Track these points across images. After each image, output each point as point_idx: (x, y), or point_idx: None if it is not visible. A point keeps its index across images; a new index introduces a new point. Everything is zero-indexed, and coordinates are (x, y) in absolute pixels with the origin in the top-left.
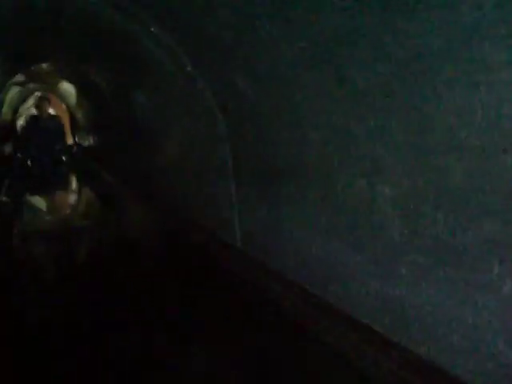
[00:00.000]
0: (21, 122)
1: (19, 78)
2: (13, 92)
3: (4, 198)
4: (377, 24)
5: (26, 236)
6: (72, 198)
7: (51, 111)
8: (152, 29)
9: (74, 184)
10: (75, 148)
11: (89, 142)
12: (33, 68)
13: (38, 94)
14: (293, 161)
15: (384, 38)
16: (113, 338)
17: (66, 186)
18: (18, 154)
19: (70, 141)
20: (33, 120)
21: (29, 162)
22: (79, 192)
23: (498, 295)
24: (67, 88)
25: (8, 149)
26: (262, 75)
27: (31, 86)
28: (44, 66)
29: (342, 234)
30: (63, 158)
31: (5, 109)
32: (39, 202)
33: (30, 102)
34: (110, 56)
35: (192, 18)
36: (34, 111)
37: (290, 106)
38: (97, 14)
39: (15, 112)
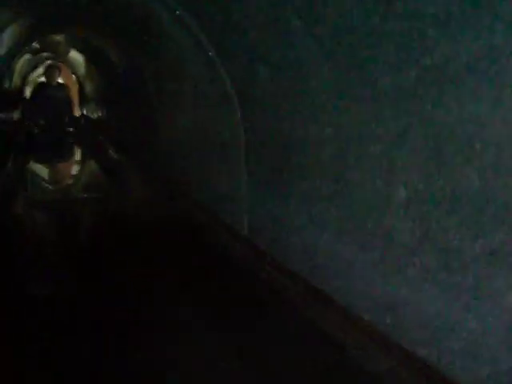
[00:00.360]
0: (29, 90)
1: (32, 46)
2: (24, 60)
3: (9, 166)
4: (406, 29)
5: (29, 205)
6: (76, 170)
7: (60, 80)
8: (177, 12)
9: (78, 156)
10: (83, 120)
11: (97, 115)
12: (46, 37)
13: (48, 62)
14: (307, 156)
15: (412, 44)
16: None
17: (70, 157)
18: (25, 122)
19: (77, 112)
20: (41, 87)
21: (35, 130)
22: (83, 164)
23: (503, 304)
24: (77, 58)
25: (16, 115)
26: (283, 68)
27: (43, 54)
28: (58, 36)
29: (352, 232)
30: (70, 128)
31: (15, 76)
32: (43, 171)
33: (40, 70)
34: (126, 31)
35: (218, 5)
36: (42, 79)
37: (309, 101)
38: None
39: (24, 79)
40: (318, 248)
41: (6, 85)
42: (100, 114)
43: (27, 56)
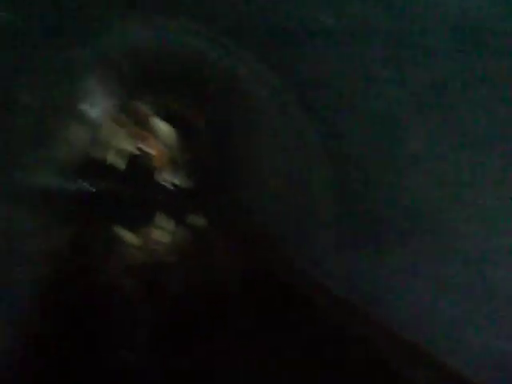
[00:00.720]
0: (115, 158)
1: (117, 114)
2: (108, 127)
3: (96, 232)
4: (497, 69)
5: (116, 270)
6: (161, 234)
7: (146, 148)
8: (256, 67)
9: (166, 222)
10: (170, 187)
11: (183, 181)
12: (130, 105)
13: (133, 130)
14: (397, 205)
15: (504, 83)
16: None
17: (158, 223)
18: (112, 189)
19: (164, 179)
20: (128, 156)
21: (122, 197)
22: (169, 228)
23: None
24: (163, 127)
25: (103, 183)
26: (370, 117)
27: (130, 124)
28: (141, 103)
29: (454, 289)
30: (158, 196)
31: (100, 144)
32: (130, 237)
33: (126, 138)
34: (212, 96)
35: (301, 60)
36: (128, 147)
37: (398, 150)
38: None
39: (110, 148)
40: (420, 306)
41: (95, 153)
42: (186, 181)
43: (112, 124)
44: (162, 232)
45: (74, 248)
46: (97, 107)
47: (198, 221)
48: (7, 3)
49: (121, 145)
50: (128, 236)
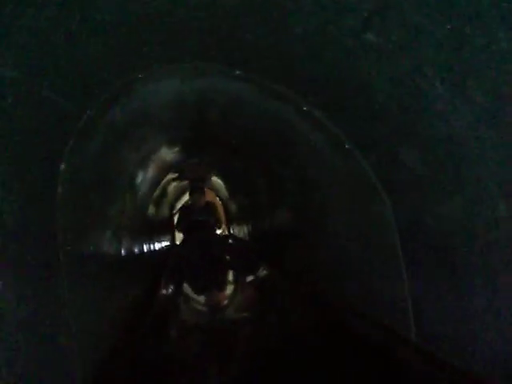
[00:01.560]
0: (176, 216)
1: (172, 174)
2: (170, 188)
3: (162, 292)
4: None
5: (182, 328)
6: (229, 290)
7: (206, 200)
8: (304, 108)
9: (231, 278)
10: (231, 240)
11: (243, 233)
12: (185, 164)
13: (191, 185)
14: (477, 242)
15: None
16: None
17: (225, 282)
18: (175, 249)
19: (224, 233)
20: (186, 211)
21: (185, 256)
22: (238, 287)
23: None
24: (219, 181)
25: (164, 242)
26: (433, 146)
27: (184, 181)
28: (195, 160)
29: None
30: (221, 252)
31: (164, 206)
32: (196, 296)
33: (185, 197)
34: (265, 147)
35: (347, 96)
36: (187, 201)
37: (470, 179)
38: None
39: (172, 208)
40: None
41: (150, 212)
42: (246, 233)
43: (172, 184)
44: (231, 290)
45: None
46: (150, 168)
47: (267, 277)
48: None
49: (181, 202)
50: (193, 295)
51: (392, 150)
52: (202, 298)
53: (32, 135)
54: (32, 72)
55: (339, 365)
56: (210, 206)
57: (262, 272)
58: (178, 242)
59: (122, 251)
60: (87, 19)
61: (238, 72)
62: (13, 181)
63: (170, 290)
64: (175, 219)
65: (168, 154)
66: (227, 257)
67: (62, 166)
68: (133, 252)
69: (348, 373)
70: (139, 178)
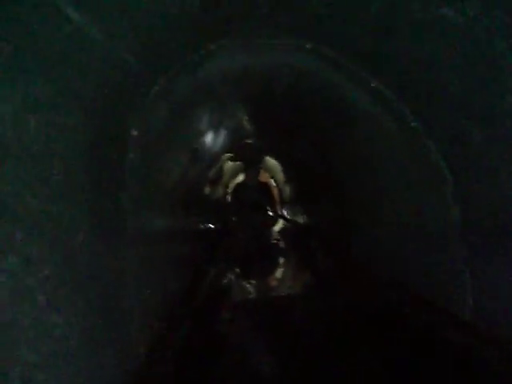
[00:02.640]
0: (229, 195)
1: (228, 155)
2: (226, 168)
3: (214, 273)
4: None
5: (234, 308)
6: (280, 272)
7: (261, 180)
8: (372, 84)
9: (283, 261)
10: (286, 223)
11: (299, 217)
12: (242, 143)
13: (246, 164)
14: None
15: None
16: None
17: (276, 267)
18: (229, 228)
19: (279, 215)
20: (240, 189)
21: (239, 237)
22: (288, 270)
23: None
24: (274, 163)
25: (218, 223)
26: (497, 123)
27: (240, 161)
28: (253, 139)
29: None
30: (273, 233)
31: (219, 185)
32: (247, 282)
33: (241, 177)
34: (316, 129)
35: (414, 73)
36: (241, 179)
37: None
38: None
39: (226, 187)
40: None
41: (207, 191)
42: (303, 217)
43: (229, 164)
44: (283, 271)
45: (190, 293)
46: (209, 144)
47: (319, 259)
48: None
49: (235, 182)
50: (244, 281)
51: (456, 127)
52: (252, 280)
53: (108, 97)
54: (113, 34)
55: (385, 345)
56: (265, 187)
57: (314, 255)
58: (232, 222)
59: (180, 227)
60: None
61: (307, 46)
62: (86, 143)
63: (222, 271)
64: (229, 198)
65: (227, 131)
66: (279, 241)
67: (134, 132)
68: (188, 229)
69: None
70: (199, 154)
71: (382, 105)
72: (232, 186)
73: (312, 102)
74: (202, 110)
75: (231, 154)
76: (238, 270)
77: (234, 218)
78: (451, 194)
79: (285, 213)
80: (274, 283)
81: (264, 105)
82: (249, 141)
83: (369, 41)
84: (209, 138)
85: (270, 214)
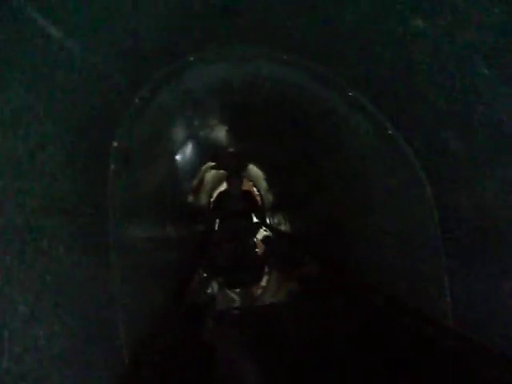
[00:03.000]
0: (214, 202)
1: (210, 164)
2: (208, 177)
3: (197, 281)
4: None
5: (218, 317)
6: (265, 285)
7: (243, 187)
8: (350, 93)
9: (267, 269)
10: (270, 232)
11: (281, 224)
12: (225, 152)
13: (229, 172)
14: None
15: None
16: None
17: (261, 276)
18: (209, 237)
19: (264, 223)
20: (222, 197)
21: (221, 247)
22: (273, 278)
23: None
24: (256, 171)
25: (200, 230)
26: (475, 131)
27: (223, 170)
28: (235, 147)
29: None
30: (257, 241)
31: (201, 192)
32: (231, 292)
33: (224, 185)
34: (305, 132)
35: (391, 82)
36: (223, 188)
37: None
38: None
39: (210, 197)
40: None
41: (190, 200)
42: (283, 224)
43: (210, 173)
44: (267, 280)
45: (175, 300)
46: (191, 153)
47: (308, 269)
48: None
49: (218, 190)
50: (228, 291)
51: (434, 134)
52: (236, 289)
53: (89, 110)
54: (94, 49)
55: (377, 352)
56: (247, 195)
57: (299, 263)
58: (215, 231)
59: (163, 236)
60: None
61: (285, 57)
62: (68, 155)
63: (205, 280)
64: (211, 207)
65: (209, 139)
66: (263, 249)
67: (115, 143)
68: (172, 238)
69: (385, 360)
70: (181, 163)
71: (361, 114)
72: (215, 194)
73: (292, 112)
74: (184, 119)
75: (213, 163)
76: (221, 279)
77: (217, 227)
78: (430, 201)
79: (268, 220)
80: (258, 292)
81: (245, 114)
82: (231, 150)
83: (346, 52)
84: (190, 147)
85: (254, 221)
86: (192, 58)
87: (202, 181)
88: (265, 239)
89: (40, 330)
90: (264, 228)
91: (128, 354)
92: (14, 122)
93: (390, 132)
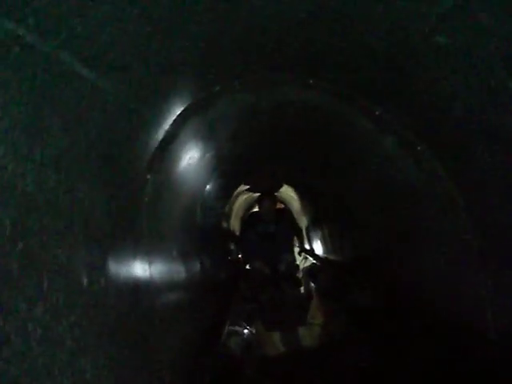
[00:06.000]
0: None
1: (243, 186)
2: (240, 201)
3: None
4: None
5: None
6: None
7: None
8: (377, 112)
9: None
10: (313, 259)
11: (318, 250)
12: (255, 175)
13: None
14: None
15: None
16: None
17: (305, 317)
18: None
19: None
20: (252, 221)
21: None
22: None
23: None
24: (289, 193)
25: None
26: (503, 144)
27: (255, 194)
28: (266, 172)
29: None
30: (298, 275)
31: (232, 220)
32: (272, 335)
33: (256, 208)
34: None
35: (417, 99)
36: (255, 209)
37: None
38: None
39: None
40: None
41: (224, 225)
42: (322, 250)
43: (242, 197)
44: (313, 316)
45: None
46: (223, 179)
47: (358, 300)
48: None
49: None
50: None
51: (463, 148)
52: (278, 331)
53: (121, 145)
54: (122, 85)
55: None
56: (282, 214)
57: (349, 293)
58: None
59: (190, 269)
60: (173, 32)
61: (310, 81)
62: (104, 189)
63: (240, 323)
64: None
65: (239, 165)
66: (306, 281)
67: (148, 177)
68: (201, 270)
69: None
70: (211, 190)
71: (387, 131)
72: (246, 217)
73: (319, 134)
74: (213, 147)
75: (247, 186)
76: (259, 321)
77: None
78: (464, 214)
79: (307, 247)
80: (303, 331)
81: (273, 137)
82: (262, 173)
83: (369, 72)
84: (220, 173)
85: (294, 247)
86: (217, 88)
87: (233, 205)
88: (306, 269)
89: (87, 363)
90: (303, 255)
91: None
92: (54, 163)
93: (419, 148)
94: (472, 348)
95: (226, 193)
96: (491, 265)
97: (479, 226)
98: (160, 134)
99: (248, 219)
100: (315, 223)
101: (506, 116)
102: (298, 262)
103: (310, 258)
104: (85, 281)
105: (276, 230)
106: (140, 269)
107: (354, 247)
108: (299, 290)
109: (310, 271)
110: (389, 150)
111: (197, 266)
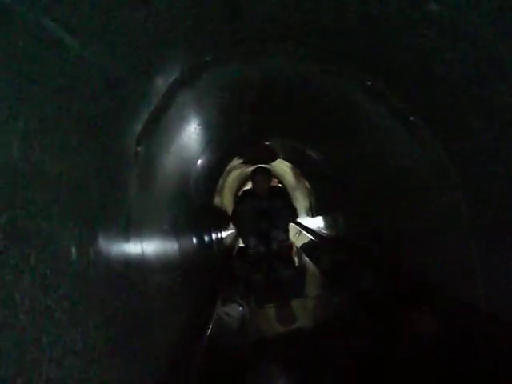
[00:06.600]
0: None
1: (236, 160)
2: (232, 176)
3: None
4: None
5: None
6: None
7: (273, 184)
8: (368, 82)
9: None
10: (310, 235)
11: (322, 229)
12: (248, 149)
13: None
14: None
15: None
16: None
17: (302, 290)
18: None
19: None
20: (246, 197)
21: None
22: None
23: None
24: (283, 166)
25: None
26: (499, 114)
27: (249, 168)
28: (258, 144)
29: None
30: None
31: (225, 194)
32: (267, 313)
33: (249, 185)
34: (330, 132)
35: (409, 68)
36: (248, 187)
37: None
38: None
39: (235, 196)
40: None
41: (216, 201)
42: (327, 228)
43: (236, 172)
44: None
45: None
46: (215, 152)
47: (358, 275)
48: None
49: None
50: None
51: (457, 120)
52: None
53: (109, 115)
54: (109, 55)
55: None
56: (277, 191)
57: (351, 272)
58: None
59: (182, 245)
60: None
61: (302, 51)
62: (95, 162)
63: (233, 302)
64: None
65: (231, 138)
66: (302, 256)
67: (139, 149)
68: (193, 246)
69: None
70: (204, 164)
71: (380, 102)
72: (240, 193)
73: (311, 105)
74: (204, 120)
75: (240, 160)
76: (253, 300)
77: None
78: (457, 184)
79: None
80: (298, 306)
81: (265, 109)
82: (254, 146)
83: (361, 41)
84: (212, 146)
85: (288, 222)
86: (208, 59)
87: (226, 181)
88: (303, 245)
89: (78, 335)
90: (298, 230)
91: (165, 358)
92: (40, 132)
93: (411, 119)
94: (464, 319)
95: (218, 167)
96: (482, 237)
97: (471, 199)
98: (149, 107)
99: (241, 195)
100: (310, 198)
101: (498, 85)
102: (290, 241)
103: (308, 235)
104: (73, 253)
105: (269, 207)
106: (130, 242)
107: (348, 223)
108: (293, 270)
109: (308, 249)
110: (382, 121)
111: (189, 242)
